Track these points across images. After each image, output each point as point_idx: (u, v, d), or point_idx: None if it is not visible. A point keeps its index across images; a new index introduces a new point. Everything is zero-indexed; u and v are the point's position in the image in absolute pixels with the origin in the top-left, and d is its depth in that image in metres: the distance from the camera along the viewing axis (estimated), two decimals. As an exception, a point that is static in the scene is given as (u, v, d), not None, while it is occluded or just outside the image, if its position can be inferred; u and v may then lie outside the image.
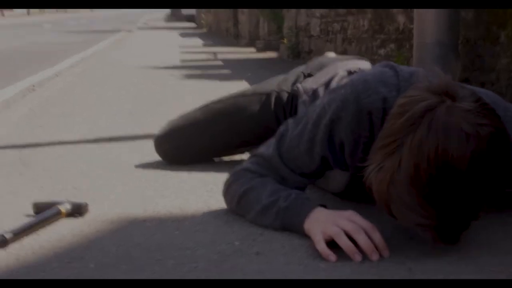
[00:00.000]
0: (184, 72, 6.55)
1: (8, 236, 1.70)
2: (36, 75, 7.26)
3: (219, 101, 2.53)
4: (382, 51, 5.01)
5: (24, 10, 56.22)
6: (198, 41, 13.59)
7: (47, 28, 23.96)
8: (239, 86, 4.55)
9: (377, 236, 1.56)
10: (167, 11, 45.01)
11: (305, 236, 1.66)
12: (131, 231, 1.79)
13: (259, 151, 1.89)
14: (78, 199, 2.02)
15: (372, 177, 1.47)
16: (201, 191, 2.19)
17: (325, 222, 1.60)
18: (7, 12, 53.82)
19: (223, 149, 2.54)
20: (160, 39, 14.21)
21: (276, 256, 1.59)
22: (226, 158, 2.62)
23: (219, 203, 1.99)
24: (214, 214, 1.93)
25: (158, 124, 2.76)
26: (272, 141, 1.86)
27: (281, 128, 1.87)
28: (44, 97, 4.80)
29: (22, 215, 1.95)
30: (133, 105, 4.29)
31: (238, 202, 1.85)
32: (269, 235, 1.73)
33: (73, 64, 8.45)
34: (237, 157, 2.60)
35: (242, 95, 2.48)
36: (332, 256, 1.54)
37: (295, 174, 1.82)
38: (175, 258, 1.60)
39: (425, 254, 1.57)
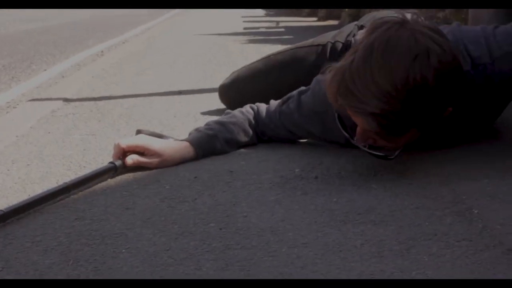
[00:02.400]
0: (247, 38, 6.73)
1: (118, 163, 1.90)
2: (105, 43, 7.53)
3: (279, 53, 2.72)
4: (440, 14, 5.10)
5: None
6: (260, 12, 13.73)
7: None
8: (300, 48, 4.70)
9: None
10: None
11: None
12: (202, 161, 1.98)
13: (272, 103, 2.16)
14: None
15: None
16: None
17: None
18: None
19: (281, 96, 2.71)
20: (222, 10, 14.38)
21: (333, 179, 1.76)
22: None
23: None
24: (276, 150, 2.09)
25: (222, 78, 2.93)
26: (280, 101, 2.13)
27: (290, 94, 2.12)
28: (115, 60, 5.02)
29: (105, 152, 2.16)
30: (199, 65, 4.48)
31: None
32: (327, 163, 1.90)
33: (138, 33, 8.71)
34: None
35: (300, 46, 2.65)
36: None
37: (285, 129, 2.09)
38: (243, 180, 1.79)
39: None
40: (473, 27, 1.95)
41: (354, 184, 1.72)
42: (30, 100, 3.36)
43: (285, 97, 2.12)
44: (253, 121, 2.11)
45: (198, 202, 1.63)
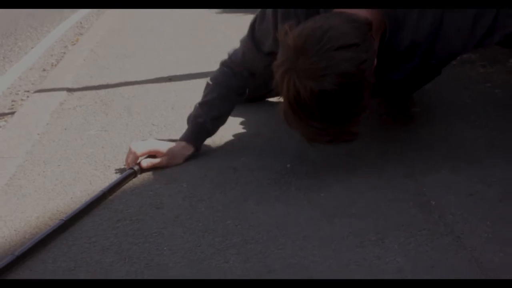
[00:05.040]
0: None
1: (136, 168, 2.29)
2: (78, 12, 7.75)
3: None
4: None
5: None
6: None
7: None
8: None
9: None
10: None
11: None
12: (208, 159, 2.37)
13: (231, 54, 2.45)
14: (158, 135, 2.63)
15: None
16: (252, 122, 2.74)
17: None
18: None
19: (267, 86, 3.06)
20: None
21: (319, 174, 2.17)
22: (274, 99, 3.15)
23: (269, 130, 2.56)
24: (269, 142, 2.49)
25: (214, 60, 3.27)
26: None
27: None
28: (98, 37, 5.32)
29: (121, 149, 2.53)
30: (183, 42, 4.79)
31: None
32: (313, 157, 2.30)
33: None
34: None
35: None
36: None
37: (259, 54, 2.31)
38: (246, 177, 2.19)
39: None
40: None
41: (337, 178, 2.12)
42: (36, 92, 3.69)
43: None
44: (232, 79, 2.42)
45: (213, 200, 2.04)
